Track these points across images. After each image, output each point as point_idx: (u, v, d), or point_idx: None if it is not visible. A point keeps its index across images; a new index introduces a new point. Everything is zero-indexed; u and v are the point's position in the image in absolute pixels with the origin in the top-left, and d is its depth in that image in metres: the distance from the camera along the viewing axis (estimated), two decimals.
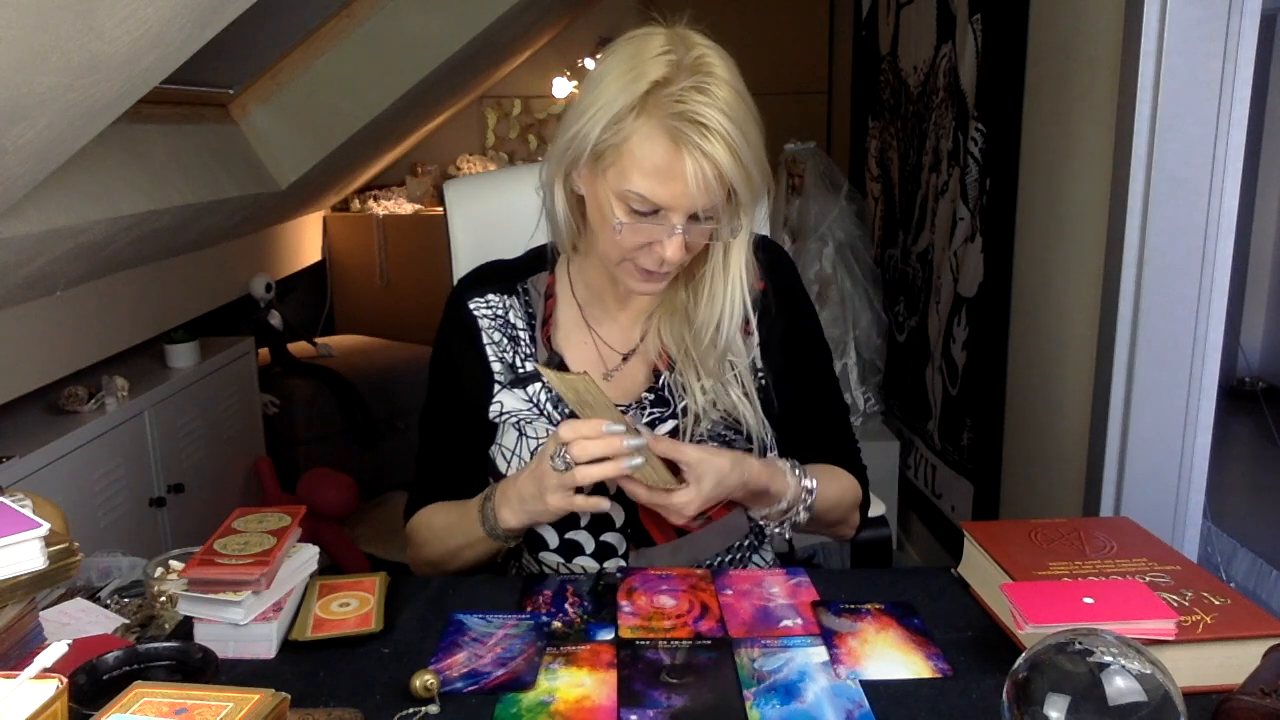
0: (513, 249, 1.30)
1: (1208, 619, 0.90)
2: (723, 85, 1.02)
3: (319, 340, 3.61)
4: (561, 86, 4.32)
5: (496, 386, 1.20)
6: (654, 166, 1.02)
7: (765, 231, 1.18)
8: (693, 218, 1.05)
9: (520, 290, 1.25)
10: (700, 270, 1.15)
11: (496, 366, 1.21)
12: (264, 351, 3.33)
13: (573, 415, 1.08)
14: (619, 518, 1.17)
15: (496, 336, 1.22)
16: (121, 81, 1.30)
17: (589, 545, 1.18)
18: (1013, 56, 1.99)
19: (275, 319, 3.33)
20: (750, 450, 1.17)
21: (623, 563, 1.17)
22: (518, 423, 1.19)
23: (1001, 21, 2.06)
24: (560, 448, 1.02)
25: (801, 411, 1.24)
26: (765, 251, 1.21)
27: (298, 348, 3.49)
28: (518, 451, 1.18)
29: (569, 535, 1.18)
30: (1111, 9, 1.58)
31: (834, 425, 1.28)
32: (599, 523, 1.17)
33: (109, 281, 2.30)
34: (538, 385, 1.20)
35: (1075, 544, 1.07)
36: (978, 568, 1.08)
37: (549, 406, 1.19)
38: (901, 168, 2.90)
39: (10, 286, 1.82)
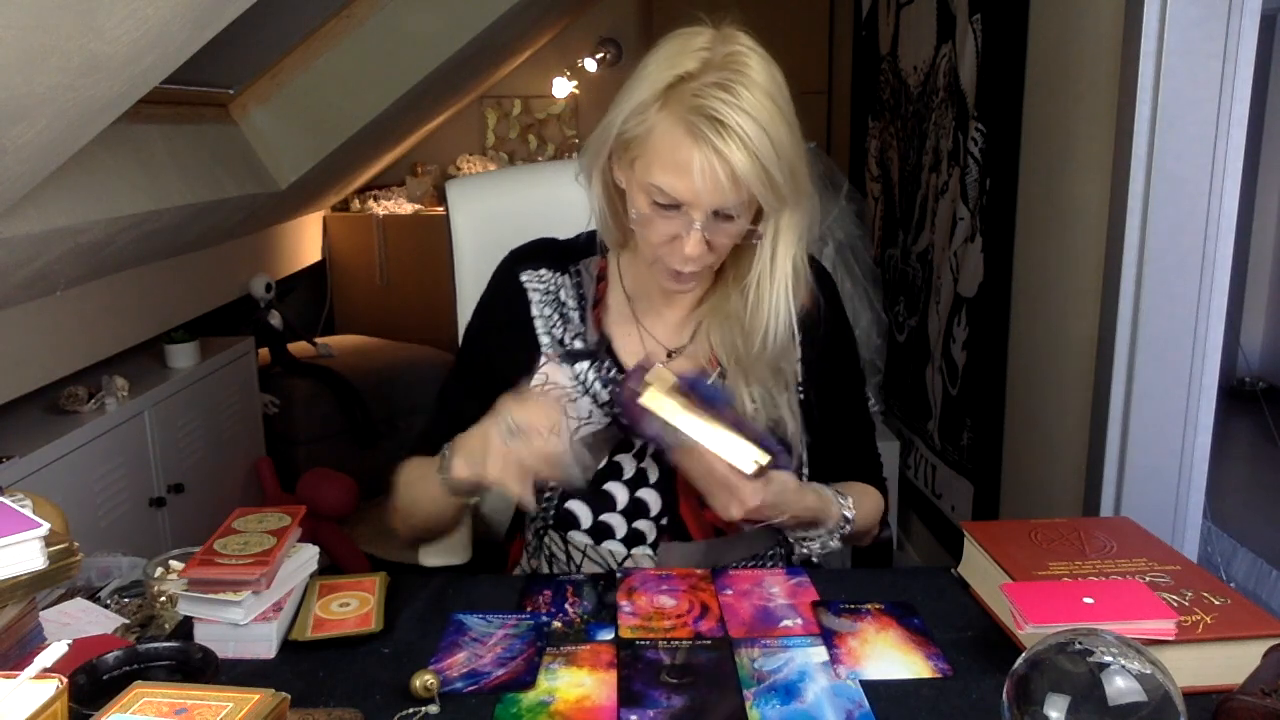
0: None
1: (1208, 619, 0.90)
2: (753, 86, 1.01)
3: (319, 340, 3.61)
4: (561, 86, 4.33)
5: (544, 358, 1.20)
6: (673, 161, 1.02)
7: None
8: (717, 215, 1.05)
9: (572, 270, 1.25)
10: (748, 275, 1.14)
11: (545, 340, 1.21)
12: (264, 351, 3.33)
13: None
14: (655, 506, 1.17)
15: (546, 311, 1.23)
16: (121, 81, 1.30)
17: (621, 530, 1.18)
18: (1013, 56, 1.99)
19: (275, 319, 3.33)
20: (790, 455, 1.17)
21: (650, 552, 1.18)
22: (559, 399, 1.17)
23: (1001, 21, 2.06)
24: (511, 421, 0.99)
25: (834, 427, 1.25)
26: (810, 269, 1.19)
27: (298, 348, 3.49)
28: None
29: (603, 518, 1.18)
30: (1111, 9, 1.58)
31: (862, 441, 1.31)
32: (636, 508, 1.18)
33: (109, 281, 2.30)
34: (585, 364, 1.20)
35: (1075, 544, 1.07)
36: (978, 568, 1.08)
37: (596, 385, 1.19)
38: (901, 168, 2.90)
39: (10, 286, 1.82)
